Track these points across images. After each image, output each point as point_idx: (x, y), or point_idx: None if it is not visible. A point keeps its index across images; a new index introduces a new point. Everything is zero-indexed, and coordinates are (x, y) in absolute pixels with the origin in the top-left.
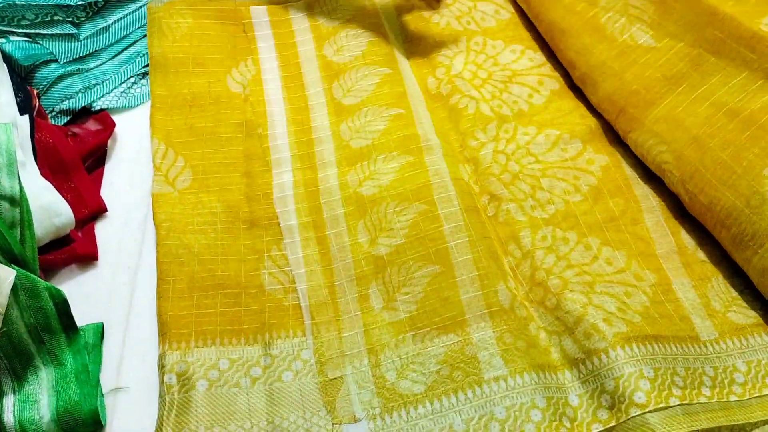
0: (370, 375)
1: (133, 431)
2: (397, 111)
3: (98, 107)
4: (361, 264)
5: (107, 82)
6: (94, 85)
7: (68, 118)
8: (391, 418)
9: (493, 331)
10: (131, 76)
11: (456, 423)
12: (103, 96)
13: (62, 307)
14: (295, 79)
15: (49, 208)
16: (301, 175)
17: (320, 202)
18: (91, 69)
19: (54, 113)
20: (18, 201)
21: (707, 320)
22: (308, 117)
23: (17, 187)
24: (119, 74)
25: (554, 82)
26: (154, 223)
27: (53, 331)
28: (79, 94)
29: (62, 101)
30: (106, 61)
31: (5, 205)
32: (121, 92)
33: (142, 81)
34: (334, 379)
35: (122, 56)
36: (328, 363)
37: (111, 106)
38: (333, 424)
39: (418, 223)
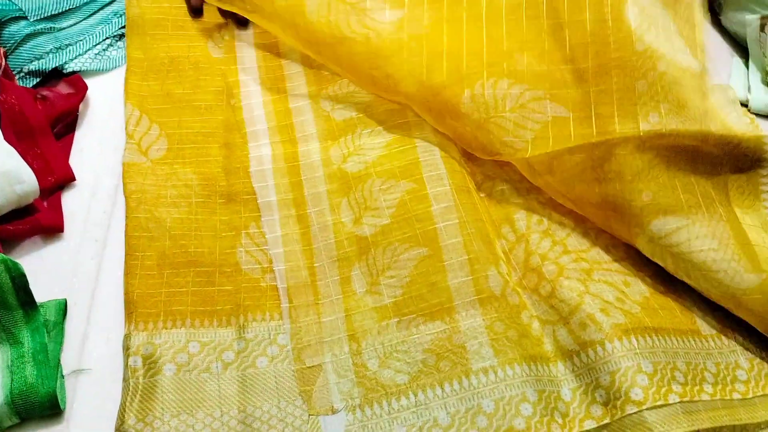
0: (350, 363)
1: (94, 416)
2: None
3: (70, 69)
4: (343, 245)
5: (81, 42)
6: (67, 45)
7: (37, 79)
8: (372, 409)
9: (483, 319)
10: (107, 38)
11: (441, 416)
12: (75, 57)
13: (20, 281)
14: (271, 47)
15: (10, 174)
16: (280, 148)
17: (301, 178)
18: (64, 28)
19: (22, 74)
20: None
21: (708, 314)
22: (285, 86)
23: None
24: (94, 35)
25: None
26: (124, 195)
27: (9, 307)
28: (50, 55)
29: (31, 61)
30: (80, 21)
31: None
32: (96, 54)
33: (119, 43)
34: (312, 366)
35: (98, 16)
36: (305, 349)
37: (84, 68)
38: (309, 415)
39: (405, 202)
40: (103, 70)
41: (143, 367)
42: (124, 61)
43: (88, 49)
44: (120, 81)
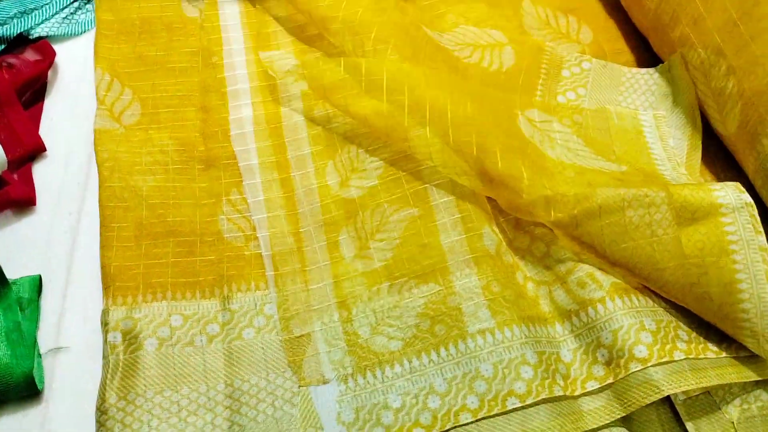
0: (340, 331)
1: (74, 395)
2: None
3: (37, 35)
4: (330, 208)
5: (47, 6)
6: (32, 9)
7: (2, 46)
8: (365, 378)
9: (479, 279)
10: (74, 1)
11: (437, 383)
12: (42, 22)
13: None
14: (256, 4)
15: None
16: (262, 109)
17: (284, 140)
18: None
19: None
20: None
21: None
22: (270, 45)
23: None
24: None
25: None
26: (97, 164)
27: None
28: (15, 20)
29: None
30: None
31: None
32: (63, 18)
33: (87, 6)
34: (301, 336)
35: None
36: (293, 318)
37: (51, 33)
38: (299, 386)
39: (394, 162)
40: (71, 34)
41: (123, 343)
42: (93, 25)
43: (55, 13)
44: (89, 46)
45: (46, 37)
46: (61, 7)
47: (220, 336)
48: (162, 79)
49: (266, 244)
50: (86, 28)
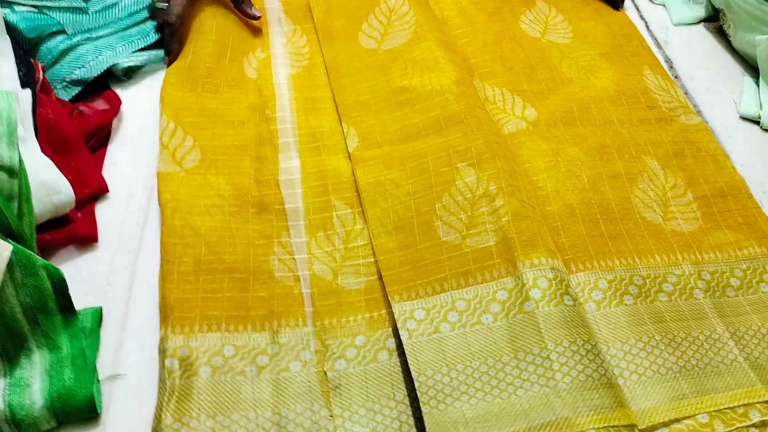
0: None
1: (129, 419)
2: None
3: (121, 67)
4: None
5: (120, 48)
6: (106, 51)
7: (80, 88)
8: None
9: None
10: (147, 46)
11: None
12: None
13: (60, 287)
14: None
15: (48, 185)
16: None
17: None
18: (101, 37)
19: (65, 83)
20: (17, 172)
21: None
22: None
23: (17, 158)
24: (133, 42)
25: None
26: (159, 203)
27: (49, 312)
28: (92, 63)
29: (74, 70)
30: (117, 32)
31: (3, 176)
32: (136, 52)
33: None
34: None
35: (135, 29)
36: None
37: (132, 64)
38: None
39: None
40: (149, 63)
41: (180, 369)
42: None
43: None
44: (151, 98)
45: (128, 68)
46: (133, 50)
47: (268, 367)
48: (221, 129)
49: (306, 282)
50: (161, 58)
